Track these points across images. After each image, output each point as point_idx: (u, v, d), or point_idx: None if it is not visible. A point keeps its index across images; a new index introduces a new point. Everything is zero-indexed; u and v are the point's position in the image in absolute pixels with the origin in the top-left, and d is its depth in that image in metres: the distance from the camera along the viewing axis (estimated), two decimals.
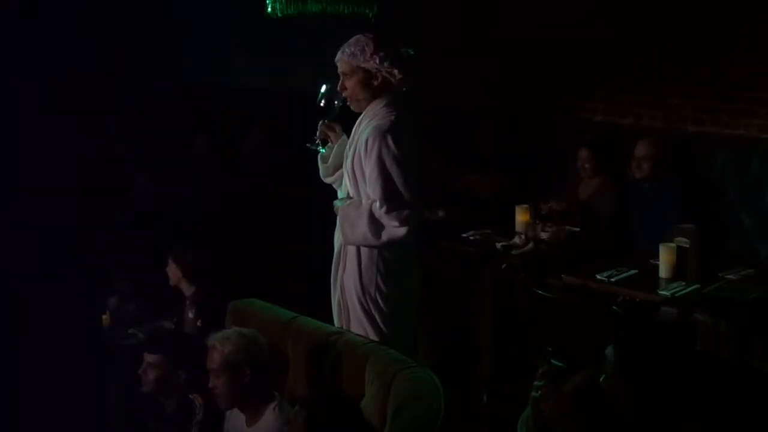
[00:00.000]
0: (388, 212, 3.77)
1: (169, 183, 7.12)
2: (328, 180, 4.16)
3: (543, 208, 5.64)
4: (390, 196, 3.78)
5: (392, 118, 3.84)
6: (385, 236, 3.80)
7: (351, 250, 3.94)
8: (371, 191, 3.82)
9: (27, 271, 5.32)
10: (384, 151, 3.78)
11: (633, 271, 4.81)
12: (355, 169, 3.89)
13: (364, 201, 3.86)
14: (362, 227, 3.80)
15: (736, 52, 5.45)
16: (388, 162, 3.78)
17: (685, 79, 5.69)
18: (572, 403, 2.88)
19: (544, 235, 5.35)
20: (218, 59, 8.43)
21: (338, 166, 4.08)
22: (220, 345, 3.48)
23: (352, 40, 3.89)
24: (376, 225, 3.79)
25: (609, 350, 2.86)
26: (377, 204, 3.78)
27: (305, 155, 4.17)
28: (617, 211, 5.63)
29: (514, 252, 5.23)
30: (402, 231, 3.78)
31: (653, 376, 2.81)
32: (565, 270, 4.88)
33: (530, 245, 5.27)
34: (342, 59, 3.89)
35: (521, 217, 5.43)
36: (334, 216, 4.05)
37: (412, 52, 3.93)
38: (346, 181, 3.97)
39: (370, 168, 3.80)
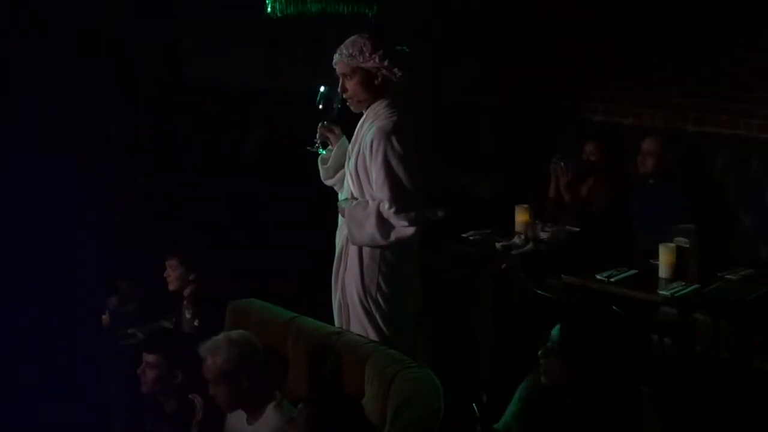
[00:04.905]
0: (397, 213, 3.78)
1: (169, 183, 7.12)
2: (328, 182, 4.17)
3: (557, 168, 5.71)
4: (398, 197, 3.79)
5: (395, 118, 3.85)
6: (393, 236, 3.81)
7: (353, 250, 3.94)
8: (379, 192, 3.82)
9: (27, 271, 5.32)
10: (390, 152, 3.79)
11: (633, 271, 4.81)
12: (359, 171, 3.89)
13: (370, 202, 3.86)
14: (370, 228, 3.81)
15: (736, 52, 5.45)
16: (395, 163, 3.79)
17: (685, 79, 5.69)
18: (564, 377, 2.95)
19: (543, 235, 5.36)
20: (218, 59, 8.43)
21: (339, 168, 4.09)
22: (212, 356, 3.48)
23: (349, 41, 3.90)
24: (384, 225, 3.80)
25: (555, 330, 2.93)
26: (386, 205, 3.79)
27: (305, 155, 4.18)
28: (614, 210, 5.63)
29: (513, 252, 5.24)
30: (410, 231, 3.80)
31: (591, 361, 2.88)
32: (565, 270, 4.88)
33: (530, 245, 5.28)
34: (341, 61, 3.90)
35: (521, 217, 5.43)
36: (335, 216, 4.05)
37: (407, 50, 3.93)
38: (349, 182, 3.97)
39: (376, 170, 3.81)
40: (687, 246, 4.66)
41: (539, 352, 2.98)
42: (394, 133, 3.81)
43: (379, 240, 3.82)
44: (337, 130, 4.07)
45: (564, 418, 2.98)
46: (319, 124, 4.07)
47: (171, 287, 4.80)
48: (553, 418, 3.01)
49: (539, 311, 4.63)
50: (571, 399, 2.96)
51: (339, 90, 3.95)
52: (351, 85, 3.90)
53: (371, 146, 3.82)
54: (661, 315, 4.56)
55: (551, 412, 3.01)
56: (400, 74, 3.87)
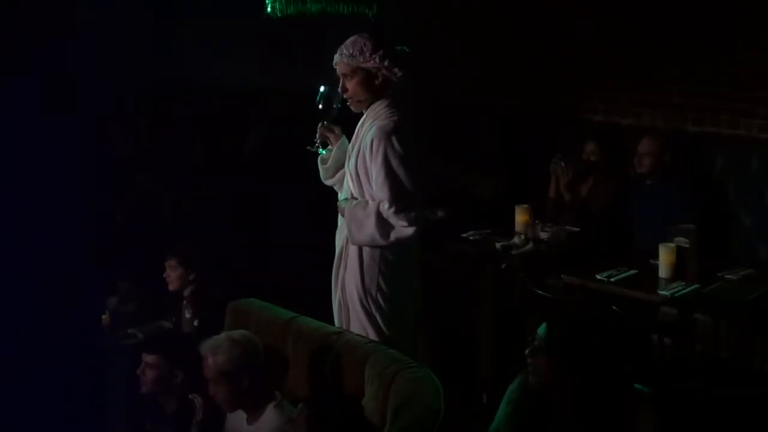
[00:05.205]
0: (396, 213, 3.78)
1: (169, 183, 7.12)
2: (328, 182, 4.17)
3: (557, 168, 5.71)
4: (398, 197, 3.79)
5: (395, 118, 3.85)
6: (393, 236, 3.82)
7: (353, 250, 3.95)
8: (379, 192, 3.82)
9: (27, 271, 5.33)
10: (390, 152, 3.79)
11: (633, 271, 4.81)
12: (359, 170, 3.90)
13: (370, 202, 3.86)
14: (370, 228, 3.81)
15: (736, 52, 5.45)
16: (395, 163, 3.79)
17: (685, 79, 5.69)
18: (552, 375, 2.95)
19: (543, 235, 5.35)
20: (218, 59, 8.43)
21: (338, 168, 4.09)
22: (212, 355, 3.48)
23: (349, 41, 3.90)
24: (384, 225, 3.81)
25: (542, 328, 2.94)
26: (386, 205, 3.79)
27: (305, 155, 4.18)
28: (614, 210, 5.63)
29: (513, 252, 5.23)
30: (410, 231, 3.81)
31: (579, 359, 2.88)
32: (565, 270, 4.88)
33: (530, 245, 5.27)
34: (341, 61, 3.90)
35: (521, 217, 5.43)
36: (335, 216, 4.06)
37: (407, 50, 3.94)
38: (349, 182, 3.97)
39: (376, 169, 3.81)
40: (687, 246, 4.66)
41: (526, 351, 2.97)
42: (395, 133, 3.81)
43: (379, 240, 3.83)
44: (337, 130, 4.08)
45: (554, 418, 2.98)
46: (319, 124, 4.07)
47: (171, 287, 4.81)
48: (544, 419, 3.00)
49: (539, 311, 4.63)
50: (560, 398, 2.95)
51: (339, 90, 3.96)
52: (351, 85, 3.91)
53: (371, 146, 3.82)
54: (661, 315, 4.55)
55: (541, 412, 3.00)
56: (400, 74, 3.88)
